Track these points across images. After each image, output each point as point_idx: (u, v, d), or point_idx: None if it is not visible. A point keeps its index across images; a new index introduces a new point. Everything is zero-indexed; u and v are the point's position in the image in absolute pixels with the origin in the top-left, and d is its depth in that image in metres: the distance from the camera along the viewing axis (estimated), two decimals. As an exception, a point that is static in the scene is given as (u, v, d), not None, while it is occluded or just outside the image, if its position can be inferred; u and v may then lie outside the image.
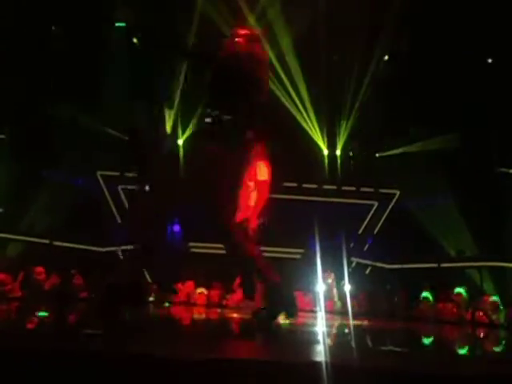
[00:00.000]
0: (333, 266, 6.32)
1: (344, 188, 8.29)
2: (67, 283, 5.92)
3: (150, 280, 7.35)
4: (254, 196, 4.45)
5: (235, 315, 4.53)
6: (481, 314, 5.67)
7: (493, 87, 7.53)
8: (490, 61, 7.95)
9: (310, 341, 2.74)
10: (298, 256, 7.63)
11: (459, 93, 7.46)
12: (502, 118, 7.34)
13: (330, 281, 6.26)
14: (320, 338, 2.92)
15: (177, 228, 8.41)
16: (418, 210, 8.03)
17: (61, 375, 1.49)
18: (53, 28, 7.91)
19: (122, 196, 8.60)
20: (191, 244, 7.90)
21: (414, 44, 7.81)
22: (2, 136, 7.89)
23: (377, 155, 8.69)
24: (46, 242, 7.19)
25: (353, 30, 7.53)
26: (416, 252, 7.51)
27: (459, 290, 6.22)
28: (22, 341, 1.76)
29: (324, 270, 5.72)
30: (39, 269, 5.89)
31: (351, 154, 8.61)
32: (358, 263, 7.63)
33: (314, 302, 5.75)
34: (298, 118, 8.57)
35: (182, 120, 8.82)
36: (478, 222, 7.55)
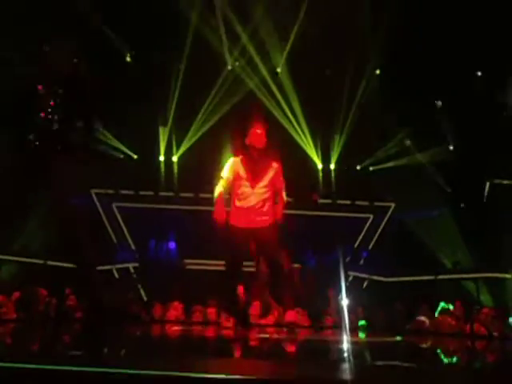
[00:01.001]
0: (330, 280, 6.29)
1: (339, 202, 8.32)
2: (62, 304, 5.84)
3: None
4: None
5: (232, 332, 4.48)
6: (479, 326, 5.65)
7: (484, 97, 7.62)
8: (479, 73, 8.07)
9: (307, 357, 2.72)
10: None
11: (452, 104, 7.54)
12: (495, 129, 7.41)
13: (328, 296, 6.23)
14: (318, 353, 2.89)
15: (172, 245, 8.38)
16: (414, 222, 8.05)
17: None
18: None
19: (117, 213, 8.57)
20: (187, 261, 7.86)
21: (407, 55, 7.89)
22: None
23: (371, 169, 8.75)
24: (40, 262, 7.11)
25: (345, 45, 7.63)
26: (412, 264, 7.51)
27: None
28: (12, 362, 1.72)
29: (322, 285, 5.70)
30: (43, 291, 5.78)
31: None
32: (355, 277, 7.61)
33: (313, 318, 5.71)
34: (292, 132, 8.64)
35: (176, 137, 8.87)
36: (472, 234, 7.58)
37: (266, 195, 4.07)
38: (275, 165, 4.13)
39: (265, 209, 4.06)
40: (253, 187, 4.07)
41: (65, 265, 7.01)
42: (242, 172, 4.11)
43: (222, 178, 4.15)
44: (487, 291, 7.34)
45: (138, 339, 3.36)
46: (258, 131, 4.14)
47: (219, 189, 4.10)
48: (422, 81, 7.82)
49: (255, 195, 4.06)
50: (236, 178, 4.11)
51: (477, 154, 7.68)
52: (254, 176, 4.09)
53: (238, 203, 4.10)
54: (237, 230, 4.07)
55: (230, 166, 4.17)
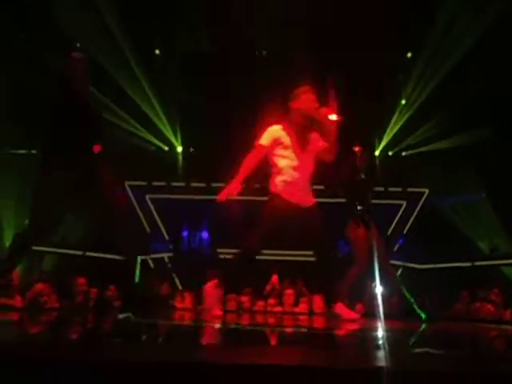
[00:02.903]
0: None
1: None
2: (103, 293, 6.03)
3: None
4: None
5: (270, 320, 4.53)
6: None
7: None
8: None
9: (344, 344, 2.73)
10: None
11: (489, 87, 7.29)
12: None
13: (363, 284, 6.20)
14: (355, 341, 2.90)
15: (205, 235, 8.49)
16: (449, 207, 7.88)
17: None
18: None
19: (150, 205, 8.75)
20: (219, 250, 7.95)
21: (440, 39, 7.66)
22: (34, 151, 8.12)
23: (403, 154, 8.58)
24: (79, 253, 7.37)
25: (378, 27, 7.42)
26: (448, 251, 7.36)
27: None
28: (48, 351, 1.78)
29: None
30: (81, 280, 5.96)
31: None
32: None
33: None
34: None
35: (203, 127, 8.94)
36: (510, 218, 7.36)
37: (311, 169, 3.54)
38: (317, 135, 3.51)
39: (309, 184, 3.54)
40: (298, 159, 3.48)
41: (104, 256, 7.26)
42: (286, 141, 3.48)
43: (259, 145, 3.49)
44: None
45: (173, 328, 3.45)
46: (311, 96, 3.52)
47: (249, 160, 3.45)
48: (459, 63, 7.60)
49: (300, 168, 3.48)
50: (277, 147, 3.50)
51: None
52: (299, 146, 3.48)
53: (279, 177, 3.50)
54: (282, 200, 3.46)
55: (269, 134, 3.52)
